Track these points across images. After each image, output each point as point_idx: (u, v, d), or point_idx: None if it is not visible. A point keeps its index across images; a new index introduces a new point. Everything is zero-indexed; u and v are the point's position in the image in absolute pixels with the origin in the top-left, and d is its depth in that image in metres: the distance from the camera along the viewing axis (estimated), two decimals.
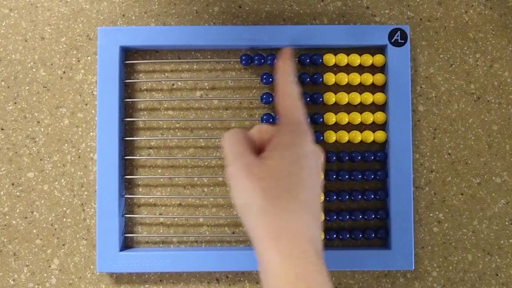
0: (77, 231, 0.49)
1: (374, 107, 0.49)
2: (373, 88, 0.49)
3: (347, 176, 0.48)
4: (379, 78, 0.48)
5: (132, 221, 0.49)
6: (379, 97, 0.48)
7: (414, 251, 0.49)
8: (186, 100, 0.50)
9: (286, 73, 0.37)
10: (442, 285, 0.49)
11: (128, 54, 0.50)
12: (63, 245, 0.49)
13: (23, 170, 0.49)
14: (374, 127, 0.49)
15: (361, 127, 0.49)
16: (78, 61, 0.50)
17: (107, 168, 0.47)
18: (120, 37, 0.47)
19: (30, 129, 0.49)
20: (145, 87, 0.50)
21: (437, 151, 0.50)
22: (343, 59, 0.48)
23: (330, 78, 0.48)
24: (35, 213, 0.49)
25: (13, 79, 0.50)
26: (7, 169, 0.49)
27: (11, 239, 0.49)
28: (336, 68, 0.49)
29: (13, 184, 0.49)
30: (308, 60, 0.48)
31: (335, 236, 0.48)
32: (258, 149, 0.34)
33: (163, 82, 0.50)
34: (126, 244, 0.49)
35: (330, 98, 0.48)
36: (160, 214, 0.49)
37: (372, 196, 0.48)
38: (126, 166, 0.49)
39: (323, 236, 0.48)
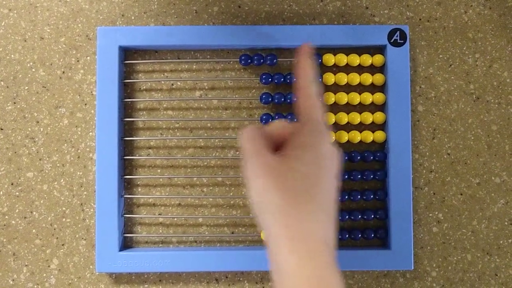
0: (77, 231, 0.49)
1: (373, 107, 0.49)
2: (373, 88, 0.49)
3: (346, 176, 0.48)
4: (378, 78, 0.48)
5: (132, 221, 0.49)
6: (378, 97, 0.48)
7: (414, 251, 0.49)
8: (186, 100, 0.50)
9: (306, 72, 0.37)
10: (441, 285, 0.49)
11: (127, 54, 0.50)
12: (63, 245, 0.49)
13: (23, 170, 0.49)
14: (373, 127, 0.49)
15: (361, 127, 0.49)
16: (78, 61, 0.50)
17: (106, 168, 0.47)
18: (120, 37, 0.47)
19: (29, 129, 0.49)
20: (144, 87, 0.50)
21: (436, 151, 0.50)
22: (342, 59, 0.48)
23: (329, 78, 0.48)
24: (34, 213, 0.49)
25: (12, 79, 0.50)
26: (7, 169, 0.49)
27: (10, 239, 0.49)
28: (336, 68, 0.49)
29: (12, 184, 0.49)
30: None
31: None
32: (275, 146, 0.34)
33: (162, 82, 0.50)
34: (126, 244, 0.49)
35: (330, 98, 0.48)
36: (159, 214, 0.49)
37: (372, 196, 0.48)
38: (126, 166, 0.49)
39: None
